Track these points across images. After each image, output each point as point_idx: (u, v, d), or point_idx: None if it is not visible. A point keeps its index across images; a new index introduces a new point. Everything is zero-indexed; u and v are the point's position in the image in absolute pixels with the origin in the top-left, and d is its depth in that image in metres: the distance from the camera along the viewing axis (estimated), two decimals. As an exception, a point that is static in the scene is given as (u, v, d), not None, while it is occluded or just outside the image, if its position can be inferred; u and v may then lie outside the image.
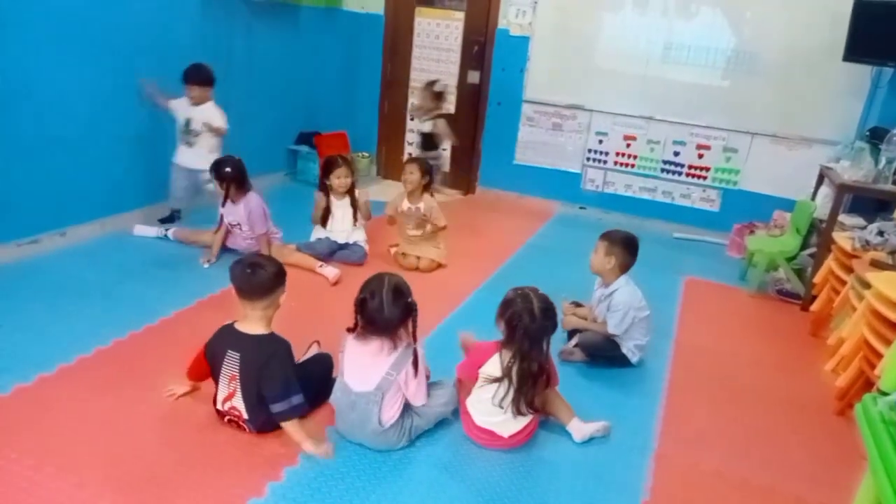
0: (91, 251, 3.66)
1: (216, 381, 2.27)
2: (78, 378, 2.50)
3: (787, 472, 2.41)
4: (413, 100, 4.71)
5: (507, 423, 2.32)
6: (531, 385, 2.28)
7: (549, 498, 2.14)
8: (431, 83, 4.83)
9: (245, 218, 3.73)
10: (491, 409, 2.30)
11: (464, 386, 2.44)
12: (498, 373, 2.27)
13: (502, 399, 2.28)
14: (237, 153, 3.83)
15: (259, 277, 2.20)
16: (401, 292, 2.22)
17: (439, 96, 4.82)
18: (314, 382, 2.37)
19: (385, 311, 2.17)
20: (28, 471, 2.00)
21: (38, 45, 3.35)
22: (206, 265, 3.67)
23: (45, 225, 3.60)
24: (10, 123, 3.30)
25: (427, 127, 4.75)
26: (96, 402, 2.36)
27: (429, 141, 4.93)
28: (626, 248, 2.92)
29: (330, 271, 3.70)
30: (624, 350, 2.95)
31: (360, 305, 2.21)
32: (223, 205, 3.73)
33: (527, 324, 2.23)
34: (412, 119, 4.78)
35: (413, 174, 3.96)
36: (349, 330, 2.26)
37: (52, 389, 2.41)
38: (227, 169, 3.64)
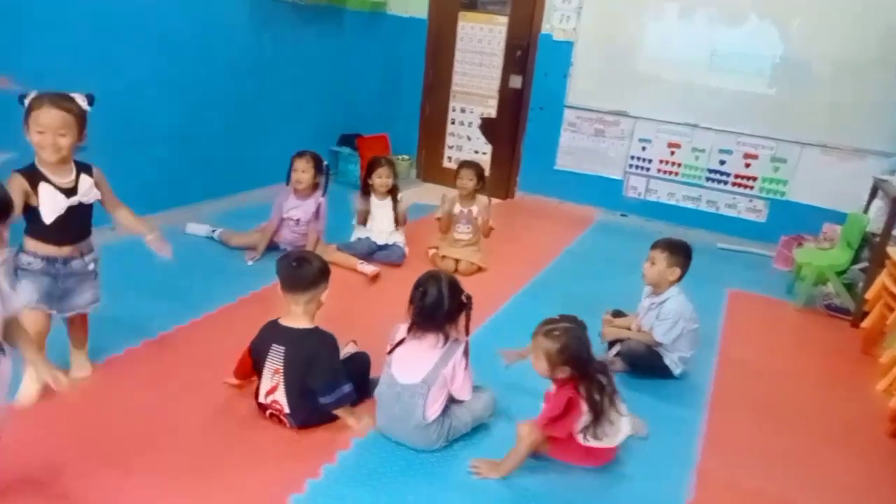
0: (140, 246, 3.73)
1: (259, 375, 2.30)
2: (126, 370, 2.56)
3: (834, 495, 2.33)
4: None
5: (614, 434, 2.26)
6: (612, 388, 2.24)
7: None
8: None
9: (312, 213, 3.84)
10: (608, 430, 2.23)
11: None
12: (591, 414, 2.18)
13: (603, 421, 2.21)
14: (280, 155, 3.90)
15: (303, 272, 2.25)
16: (457, 287, 2.28)
17: None
18: (353, 381, 2.38)
19: (444, 306, 2.21)
20: (75, 460, 2.05)
21: (89, 48, 3.45)
22: (250, 262, 3.73)
23: (96, 219, 3.70)
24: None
25: None
26: (143, 394, 2.41)
27: None
28: (687, 257, 2.87)
29: (369, 268, 3.73)
30: (667, 361, 2.89)
31: (420, 300, 2.22)
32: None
33: (588, 354, 2.19)
34: None
35: (470, 181, 3.98)
36: (409, 330, 2.27)
37: (101, 380, 2.47)
38: (326, 163, 3.89)
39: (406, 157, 6.08)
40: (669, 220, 5.34)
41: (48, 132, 2.10)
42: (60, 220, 2.20)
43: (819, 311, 4.03)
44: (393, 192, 4.07)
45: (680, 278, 2.88)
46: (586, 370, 2.17)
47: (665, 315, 2.82)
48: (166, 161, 4.02)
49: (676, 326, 2.82)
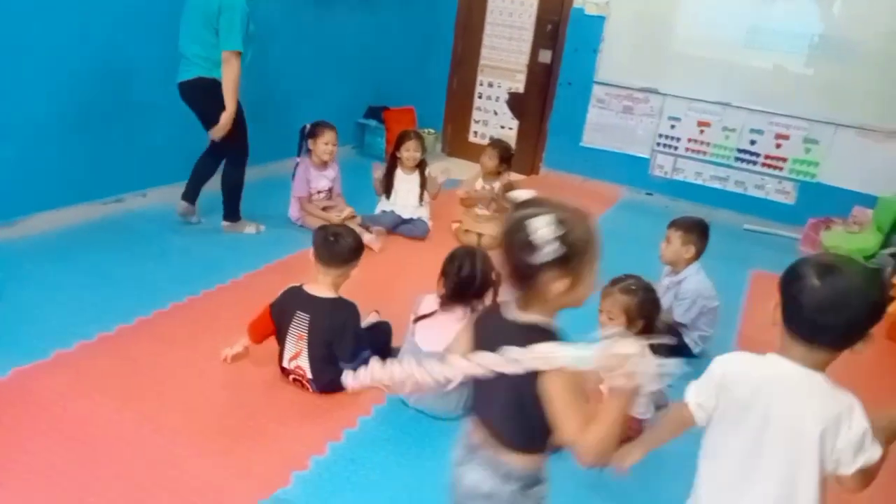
0: (170, 213, 3.82)
1: (281, 341, 2.37)
2: (155, 331, 2.65)
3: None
4: None
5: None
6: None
7: (612, 482, 2.15)
8: None
9: (334, 179, 3.96)
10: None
11: None
12: None
13: None
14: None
15: (339, 248, 2.33)
16: (489, 263, 2.34)
17: None
18: (374, 350, 2.44)
19: (477, 280, 2.29)
20: (112, 413, 2.15)
21: (126, 19, 3.51)
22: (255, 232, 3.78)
23: (128, 186, 3.81)
24: (101, 90, 3.49)
25: None
26: (171, 354, 2.50)
27: None
28: (702, 235, 2.87)
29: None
30: (687, 340, 2.90)
31: (455, 275, 2.29)
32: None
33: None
34: None
35: (491, 160, 4.00)
36: (442, 304, 2.33)
37: (131, 339, 2.56)
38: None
39: (432, 130, 6.08)
40: (696, 200, 5.28)
41: None
42: None
43: (845, 296, 3.98)
44: (420, 166, 4.09)
45: (696, 256, 2.87)
46: (654, 324, 2.26)
47: (683, 295, 2.83)
48: (188, 129, 4.05)
49: (695, 306, 2.82)
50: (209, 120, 3.40)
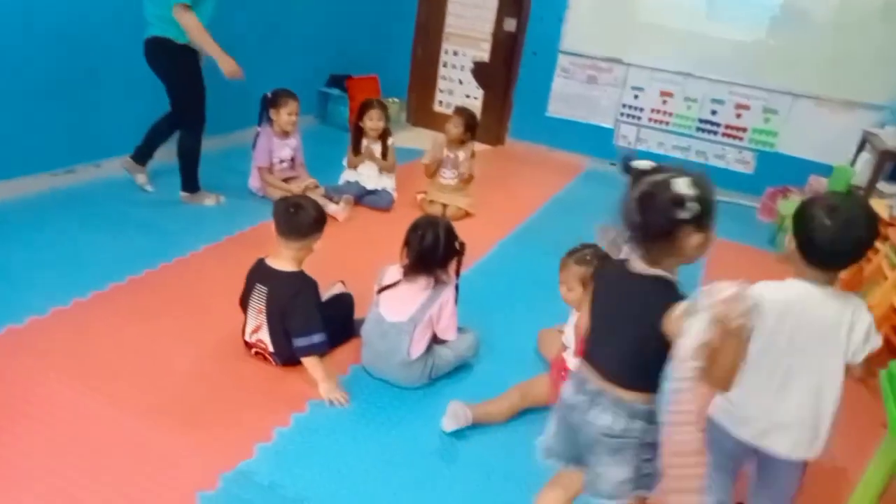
0: (125, 184, 3.71)
1: (245, 313, 2.34)
2: (112, 305, 2.58)
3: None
4: None
5: None
6: None
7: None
8: None
9: (296, 148, 3.91)
10: None
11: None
12: None
13: None
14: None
15: (299, 219, 2.26)
16: (453, 233, 2.34)
17: None
18: (335, 322, 2.42)
19: (440, 251, 2.27)
20: (69, 390, 2.09)
21: None
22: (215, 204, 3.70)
23: (80, 156, 3.67)
24: (48, 58, 3.33)
25: None
26: (130, 329, 2.44)
27: None
28: None
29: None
30: (646, 307, 2.95)
31: (417, 244, 2.27)
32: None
33: None
34: None
35: (456, 128, 3.95)
36: (405, 274, 2.31)
37: (87, 314, 2.49)
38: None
39: (396, 99, 5.98)
40: (658, 170, 5.34)
41: None
42: None
43: (800, 263, 4.09)
44: (384, 135, 4.03)
45: None
46: None
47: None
48: (143, 98, 3.92)
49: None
50: (168, 80, 3.38)
